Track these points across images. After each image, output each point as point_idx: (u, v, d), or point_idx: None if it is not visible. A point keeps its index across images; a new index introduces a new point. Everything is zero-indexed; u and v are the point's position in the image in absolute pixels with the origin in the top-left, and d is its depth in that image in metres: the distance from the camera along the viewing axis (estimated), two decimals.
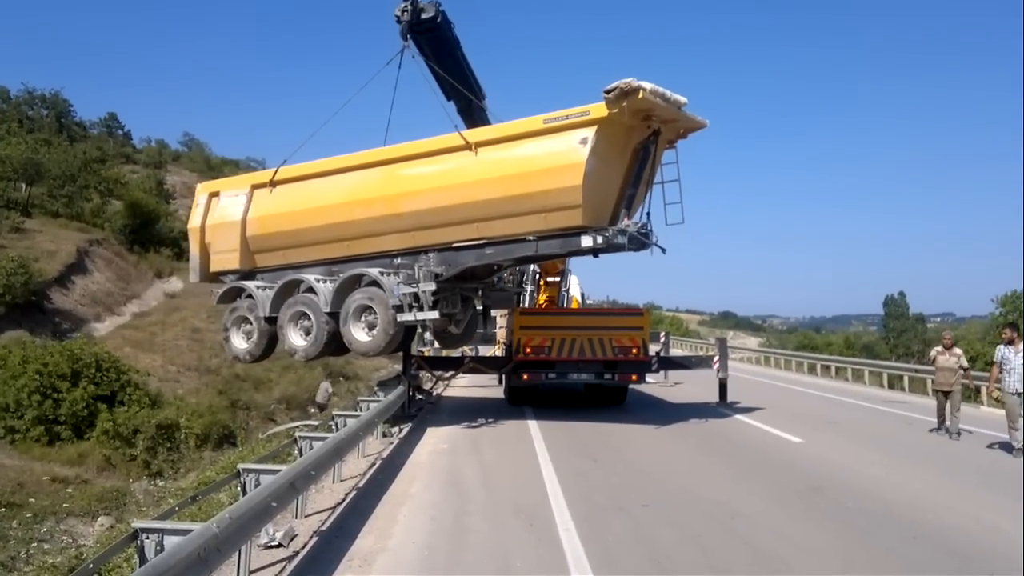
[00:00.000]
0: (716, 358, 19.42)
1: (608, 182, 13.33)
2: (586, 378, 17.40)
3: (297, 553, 7.18)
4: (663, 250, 13.85)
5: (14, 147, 35.57)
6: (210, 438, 18.34)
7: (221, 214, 15.84)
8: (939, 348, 14.99)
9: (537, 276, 21.66)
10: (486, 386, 22.56)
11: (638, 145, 13.47)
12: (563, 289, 22.18)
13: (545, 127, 12.95)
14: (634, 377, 17.69)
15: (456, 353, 22.74)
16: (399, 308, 13.79)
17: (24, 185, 35.14)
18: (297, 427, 14.05)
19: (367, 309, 14.24)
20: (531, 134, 13.14)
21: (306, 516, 8.46)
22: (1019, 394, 12.18)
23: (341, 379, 27.35)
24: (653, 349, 20.20)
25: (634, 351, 16.88)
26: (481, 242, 13.68)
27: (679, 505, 8.92)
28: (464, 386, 23.60)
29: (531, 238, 13.31)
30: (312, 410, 21.85)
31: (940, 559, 6.89)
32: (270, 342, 15.60)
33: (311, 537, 7.69)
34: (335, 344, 14.95)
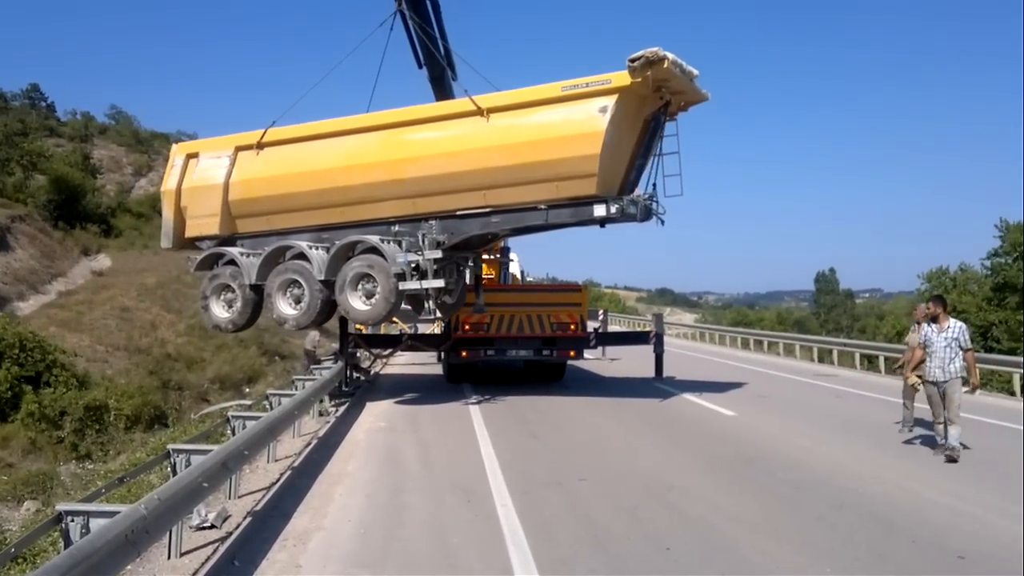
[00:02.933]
0: (652, 333, 19.70)
1: (620, 152, 13.33)
2: (525, 355, 17.51)
3: (230, 534, 7.07)
4: (662, 222, 13.91)
5: None
6: (141, 420, 17.91)
7: (201, 176, 15.03)
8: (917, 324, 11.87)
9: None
10: (425, 364, 22.52)
11: (649, 116, 13.49)
12: (503, 266, 22.19)
13: (563, 94, 12.80)
14: (572, 353, 17.86)
15: (395, 330, 22.63)
16: (401, 276, 13.47)
17: None
18: (230, 407, 13.77)
19: (365, 277, 13.80)
20: (548, 101, 12.98)
21: (240, 497, 8.33)
22: (938, 383, 10.04)
23: (276, 358, 26.98)
24: (592, 326, 20.39)
25: (572, 327, 17.03)
26: (487, 210, 13.48)
27: (615, 478, 9.04)
28: (403, 364, 23.52)
29: (542, 207, 13.19)
30: (246, 390, 21.50)
31: (866, 525, 7.11)
32: (254, 311, 15.03)
33: (245, 518, 7.58)
34: (327, 312, 14.62)
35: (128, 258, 34.75)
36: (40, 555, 6.65)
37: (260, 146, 14.73)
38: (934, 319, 10.29)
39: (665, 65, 12.10)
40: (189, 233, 15.32)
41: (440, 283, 13.57)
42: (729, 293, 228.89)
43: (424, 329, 24.19)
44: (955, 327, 10.20)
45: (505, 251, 22.17)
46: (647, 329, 25.03)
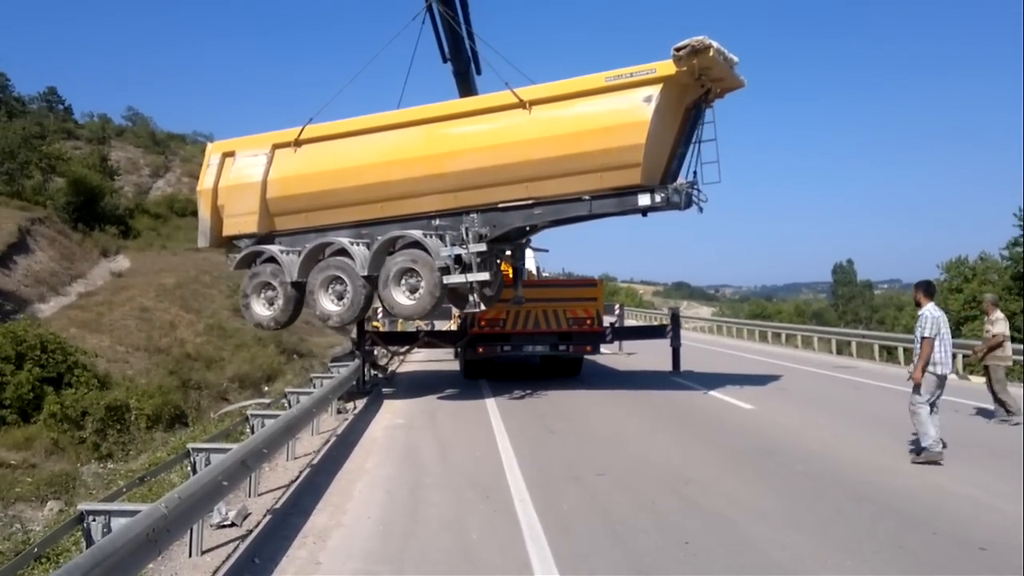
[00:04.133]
0: (669, 328, 19.64)
1: (663, 141, 13.33)
2: (541, 350, 17.51)
3: (251, 532, 7.10)
4: (700, 209, 13.95)
5: None
6: (161, 419, 18.03)
7: (238, 175, 15.08)
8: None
9: None
10: (442, 360, 22.56)
11: (690, 104, 13.50)
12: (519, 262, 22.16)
13: (607, 85, 12.82)
14: (589, 348, 17.86)
15: (411, 328, 22.68)
16: (445, 270, 13.52)
17: None
18: (249, 406, 13.85)
19: (409, 272, 13.87)
20: (591, 92, 13.00)
21: (259, 495, 8.37)
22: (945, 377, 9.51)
23: (294, 356, 27.09)
24: (608, 320, 20.37)
25: (588, 322, 17.02)
26: (530, 202, 13.51)
27: (633, 473, 9.02)
28: (420, 361, 23.57)
29: (586, 197, 13.21)
30: (265, 388, 21.62)
31: (886, 517, 7.06)
32: (296, 308, 15.12)
33: (265, 515, 7.61)
34: (368, 308, 14.74)
35: (146, 259, 34.98)
36: (63, 554, 6.71)
37: (298, 143, 14.75)
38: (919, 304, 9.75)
39: (710, 53, 12.11)
40: (226, 232, 15.38)
41: (485, 276, 13.59)
42: (746, 286, 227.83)
43: (440, 326, 24.23)
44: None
45: (521, 251, 22.13)
46: (664, 323, 24.94)
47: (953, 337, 10.01)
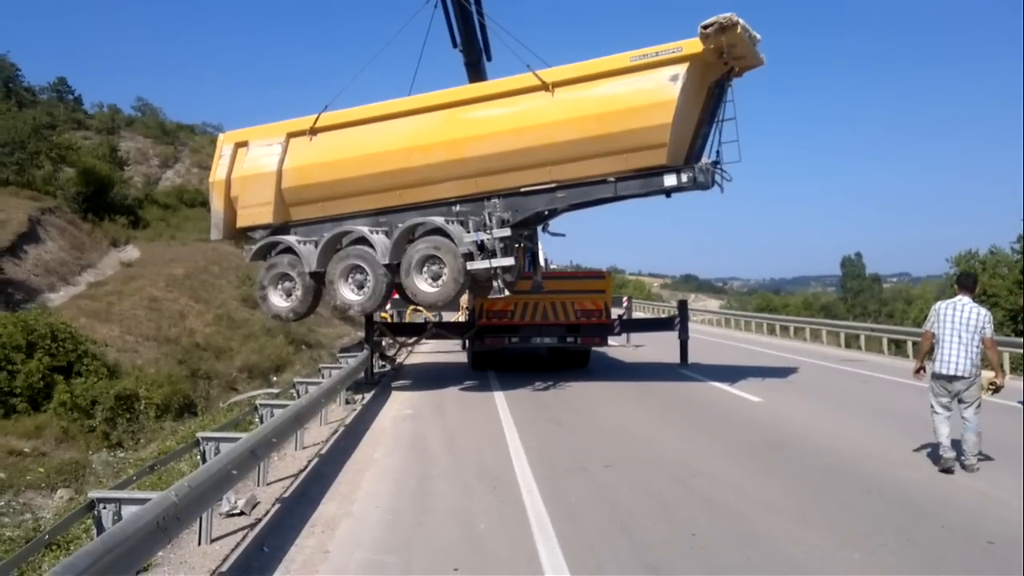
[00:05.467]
0: (677, 320, 19.62)
1: (688, 121, 13.21)
2: (549, 342, 17.50)
3: (259, 520, 7.15)
4: (721, 188, 13.77)
5: None
6: (170, 408, 18.10)
7: (252, 165, 14.86)
8: None
9: None
10: (450, 352, 22.59)
11: (713, 83, 13.36)
12: (527, 254, 22.16)
13: (632, 64, 12.67)
14: (597, 340, 17.85)
15: (419, 319, 22.71)
16: (468, 256, 13.42)
17: None
18: (258, 395, 13.89)
19: (431, 259, 13.70)
20: (616, 72, 12.84)
21: (268, 484, 8.42)
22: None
23: (303, 347, 27.16)
24: (616, 313, 20.35)
25: (597, 314, 17.01)
26: (552, 186, 13.38)
27: (641, 465, 9.03)
28: (428, 352, 23.61)
29: (610, 179, 13.09)
30: (274, 378, 21.69)
31: (894, 510, 7.05)
32: (315, 298, 15.00)
33: (273, 504, 7.66)
34: (389, 296, 14.69)
35: (156, 249, 35.05)
36: (73, 542, 6.75)
37: (313, 131, 14.54)
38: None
39: (738, 30, 12.01)
40: (241, 223, 15.18)
41: (510, 261, 13.47)
42: (754, 279, 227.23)
43: (448, 317, 24.25)
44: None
45: (535, 240, 22.13)
46: (672, 315, 24.91)
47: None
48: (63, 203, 34.31)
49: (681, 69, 12.36)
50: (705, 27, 12.00)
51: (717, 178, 13.47)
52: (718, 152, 13.56)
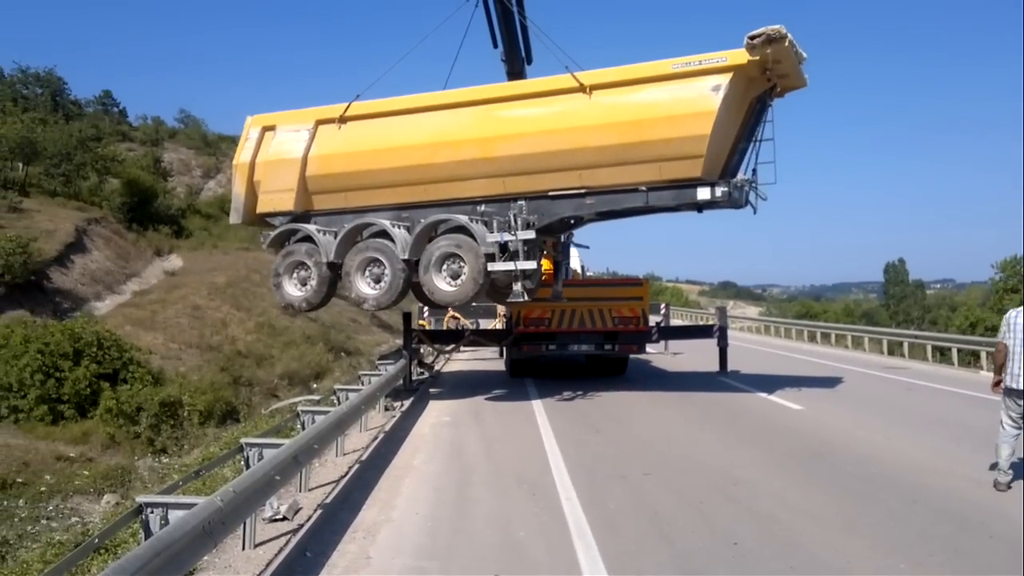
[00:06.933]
0: (716, 327, 19.47)
1: (726, 134, 12.99)
2: (586, 349, 17.45)
3: (302, 526, 7.23)
4: (755, 209, 13.55)
5: (10, 126, 35.25)
6: (213, 415, 18.36)
7: (277, 150, 14.61)
8: None
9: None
10: (487, 359, 22.64)
11: (754, 99, 13.17)
12: (563, 261, 22.15)
13: (674, 72, 12.50)
14: (634, 348, 17.80)
15: (455, 327, 22.79)
16: (491, 257, 13.21)
17: (21, 164, 34.97)
18: (300, 402, 14.04)
19: (452, 257, 13.47)
20: (657, 79, 12.67)
21: (310, 489, 8.50)
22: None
23: (342, 354, 27.40)
24: (653, 320, 20.25)
25: (634, 321, 16.94)
26: (582, 191, 13.18)
27: (680, 473, 8.98)
28: (465, 359, 23.68)
29: (642, 188, 12.89)
30: (314, 385, 21.92)
31: (940, 520, 6.94)
32: (330, 289, 14.67)
33: (315, 510, 7.74)
34: (406, 292, 14.50)
35: (198, 258, 35.63)
36: (120, 546, 6.88)
37: (343, 120, 14.32)
38: None
39: (785, 44, 11.84)
40: (261, 208, 14.97)
41: (533, 264, 13.27)
42: (794, 286, 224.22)
43: (484, 325, 24.30)
44: None
45: (566, 248, 22.14)
46: (710, 323, 24.72)
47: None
48: (108, 213, 35.05)
49: (724, 80, 12.15)
50: (752, 37, 11.80)
51: (751, 197, 13.24)
52: (754, 171, 13.34)
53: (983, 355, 21.28)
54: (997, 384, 8.42)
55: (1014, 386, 8.00)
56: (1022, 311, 8.10)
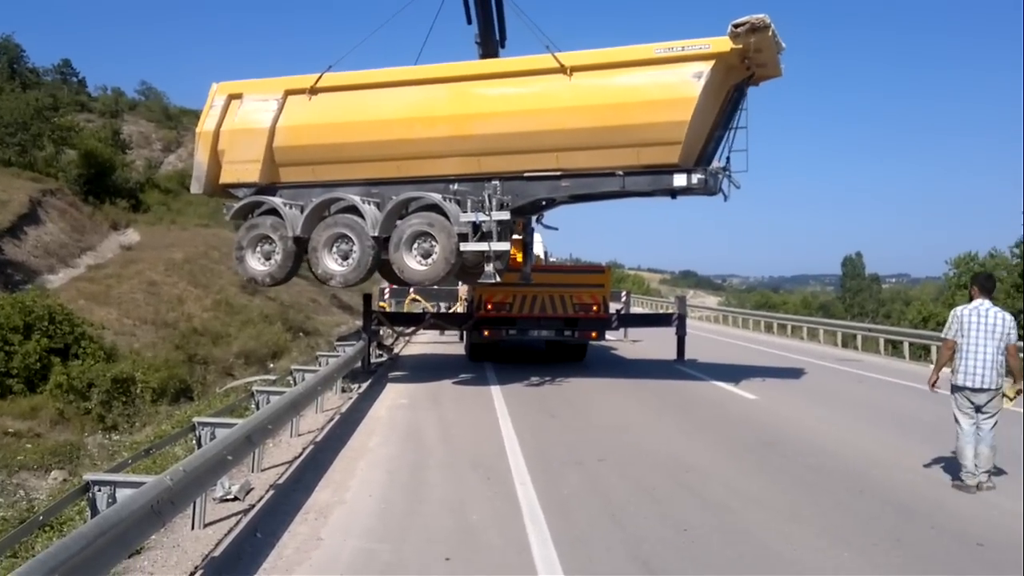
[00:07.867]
0: (675, 315, 19.64)
1: (704, 122, 12.92)
2: (547, 335, 17.49)
3: (253, 506, 7.17)
4: (725, 197, 13.56)
5: None
6: (167, 392, 18.09)
7: (244, 119, 14.09)
8: None
9: None
10: (448, 343, 22.61)
11: (732, 87, 13.12)
12: (531, 243, 22.13)
13: (656, 56, 12.36)
14: (594, 334, 17.87)
15: (417, 309, 22.73)
16: (463, 237, 13.02)
17: None
18: (255, 381, 13.89)
19: (423, 236, 13.22)
20: (638, 63, 12.54)
21: (263, 470, 8.44)
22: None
23: (301, 334, 27.18)
24: (614, 307, 20.37)
25: (595, 308, 17.01)
26: (557, 173, 13.05)
27: (635, 459, 9.06)
28: (425, 342, 23.63)
29: (619, 173, 12.81)
30: (271, 365, 21.73)
31: (886, 510, 7.08)
32: (295, 264, 14.30)
33: (267, 491, 7.68)
34: (374, 270, 14.27)
35: (156, 233, 35.03)
36: (67, 523, 6.77)
37: (313, 91, 13.85)
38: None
39: (769, 33, 11.85)
40: (224, 179, 14.47)
41: (506, 246, 13.16)
42: (754, 276, 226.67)
43: (446, 308, 24.28)
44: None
45: (530, 230, 22.14)
46: (670, 311, 24.93)
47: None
48: (64, 185, 34.26)
49: (706, 67, 12.10)
50: (736, 26, 11.77)
51: (724, 186, 13.29)
52: (728, 159, 13.37)
53: (934, 349, 21.73)
54: (934, 383, 8.32)
55: (969, 384, 7.83)
56: (976, 309, 7.95)
